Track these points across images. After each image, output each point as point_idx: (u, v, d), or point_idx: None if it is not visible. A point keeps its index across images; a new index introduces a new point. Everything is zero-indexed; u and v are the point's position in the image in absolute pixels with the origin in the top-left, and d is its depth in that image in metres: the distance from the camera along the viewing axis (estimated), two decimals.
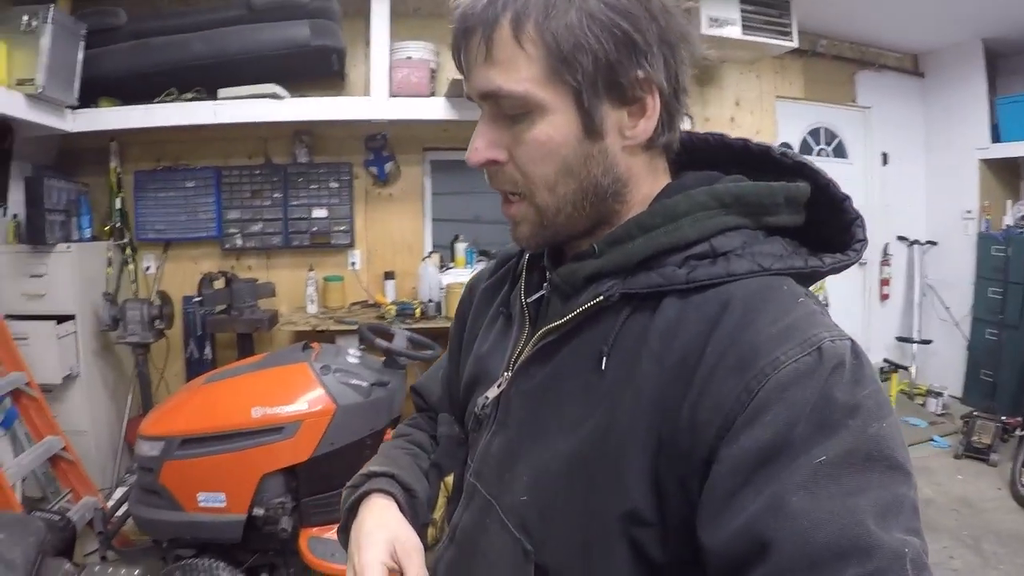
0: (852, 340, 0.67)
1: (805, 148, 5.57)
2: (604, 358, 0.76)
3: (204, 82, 3.82)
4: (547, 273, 0.87)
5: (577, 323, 0.79)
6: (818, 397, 0.61)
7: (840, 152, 5.75)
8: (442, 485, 1.06)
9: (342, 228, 4.48)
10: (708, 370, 0.67)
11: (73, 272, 3.79)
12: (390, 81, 4.00)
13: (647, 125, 0.77)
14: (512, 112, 0.75)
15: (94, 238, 4.19)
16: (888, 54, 5.78)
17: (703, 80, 4.99)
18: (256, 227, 4.40)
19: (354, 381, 2.79)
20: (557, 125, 0.74)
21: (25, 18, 3.26)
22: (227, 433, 2.64)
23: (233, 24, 3.81)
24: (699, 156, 0.87)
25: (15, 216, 3.80)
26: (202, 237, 4.40)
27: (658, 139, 0.79)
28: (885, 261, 5.84)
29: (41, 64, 3.26)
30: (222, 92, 3.80)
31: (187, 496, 2.64)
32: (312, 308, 4.30)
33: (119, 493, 3.20)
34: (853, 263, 0.78)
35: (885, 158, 5.81)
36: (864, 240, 0.78)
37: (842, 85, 5.63)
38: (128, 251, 4.27)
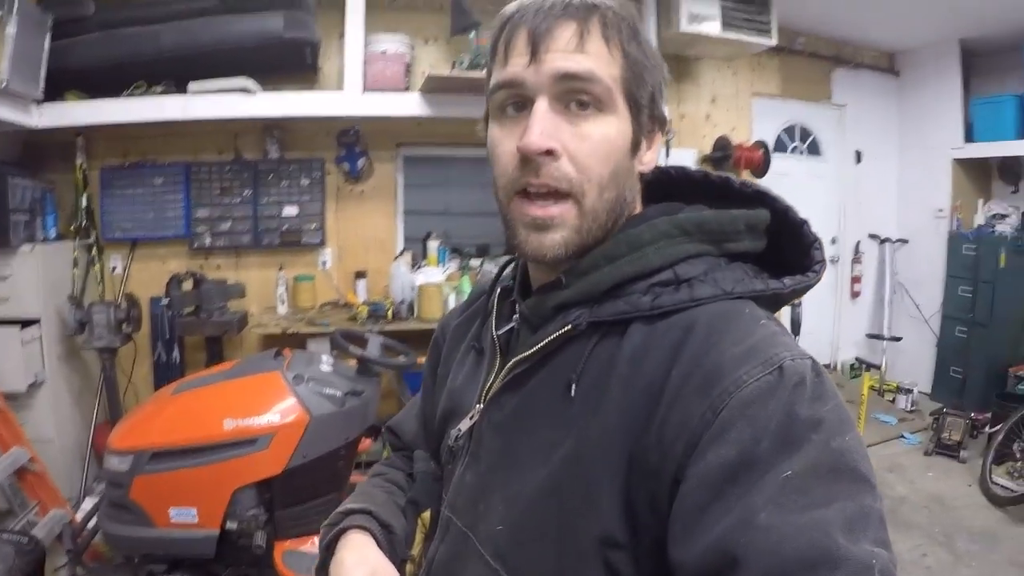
0: (813, 359, 0.69)
1: (780, 145, 5.60)
2: (573, 385, 0.77)
3: (175, 75, 3.70)
4: (517, 306, 0.90)
5: (546, 352, 0.81)
6: (781, 414, 0.63)
7: (814, 150, 5.81)
8: (419, 522, 1.06)
9: (313, 226, 4.38)
10: (674, 392, 0.69)
11: (37, 274, 3.65)
12: (364, 75, 3.91)
13: (653, 157, 0.85)
14: (587, 100, 0.76)
15: (59, 237, 4.03)
16: (864, 52, 5.82)
17: (680, 76, 4.97)
18: (225, 225, 4.28)
19: (328, 390, 2.74)
20: (620, 129, 0.79)
21: None
22: (199, 446, 2.58)
23: (205, 15, 3.68)
24: (662, 189, 0.90)
25: None
26: (170, 236, 4.26)
27: (659, 172, 0.87)
28: (856, 259, 5.92)
29: (5, 57, 3.14)
30: (192, 86, 3.69)
31: (158, 511, 2.58)
32: (282, 309, 4.21)
33: (88, 504, 3.10)
34: (813, 284, 0.80)
35: (859, 156, 5.87)
36: (823, 261, 0.81)
37: (818, 83, 5.67)
38: (94, 251, 4.13)
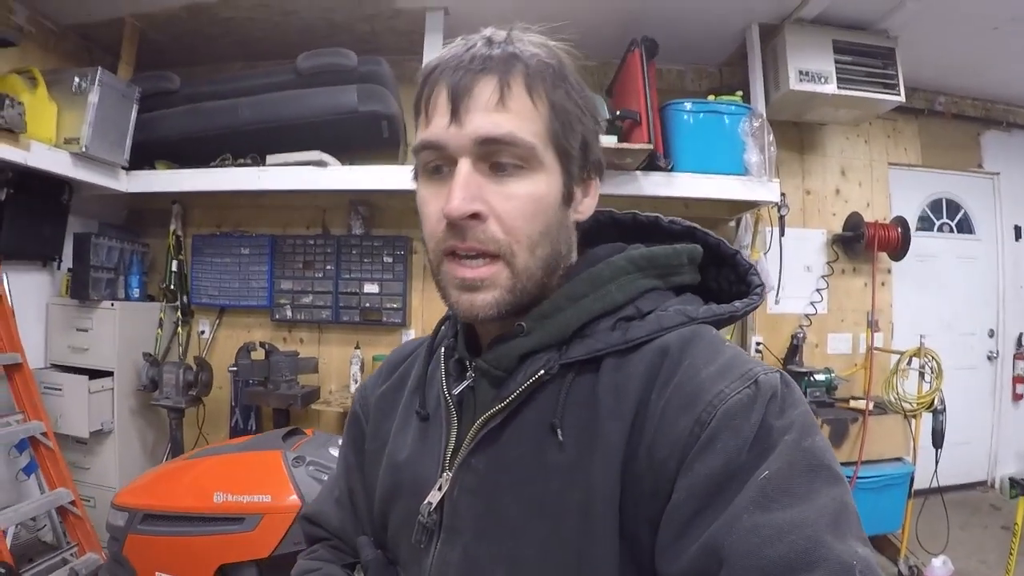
0: (781, 372, 0.72)
1: (925, 223, 4.88)
2: (559, 430, 0.76)
3: (257, 147, 3.78)
4: (468, 363, 0.87)
5: (517, 404, 0.79)
6: (759, 425, 0.66)
7: (965, 227, 5.00)
8: None
9: (394, 305, 4.20)
10: (658, 413, 0.70)
11: (115, 330, 3.84)
12: None
13: (591, 203, 0.86)
14: (510, 162, 0.75)
15: (150, 297, 4.25)
16: (1018, 111, 5.01)
17: (803, 146, 4.50)
18: (306, 299, 4.25)
19: (327, 477, 2.51)
20: (549, 185, 0.78)
21: (76, 80, 3.38)
22: (186, 515, 2.53)
23: (282, 89, 3.75)
24: (593, 235, 0.92)
25: (69, 270, 3.88)
26: (252, 306, 4.32)
27: (588, 220, 0.87)
28: (1020, 355, 4.93)
29: (87, 124, 3.35)
30: (270, 158, 3.75)
31: (147, 573, 2.54)
32: (355, 388, 4.04)
33: None
34: (759, 305, 0.86)
35: (1018, 232, 5.01)
36: (762, 284, 0.87)
37: (965, 149, 4.91)
38: (179, 314, 4.27)
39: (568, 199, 0.81)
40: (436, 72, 0.78)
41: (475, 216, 0.75)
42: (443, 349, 0.95)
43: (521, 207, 0.76)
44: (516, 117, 0.74)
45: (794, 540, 0.57)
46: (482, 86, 0.74)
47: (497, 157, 0.75)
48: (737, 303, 0.84)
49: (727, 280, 0.90)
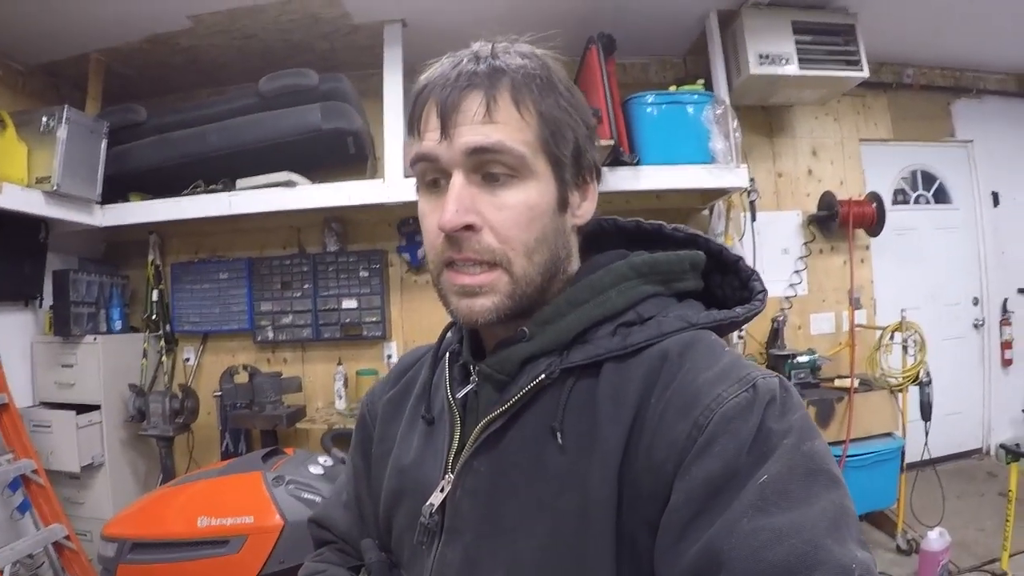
0: (779, 377, 0.73)
1: (902, 196, 4.86)
2: (559, 433, 0.77)
3: (227, 172, 3.80)
4: (471, 367, 0.89)
5: (518, 407, 0.80)
6: (756, 430, 0.66)
7: (942, 197, 4.97)
8: None
9: (374, 319, 4.22)
10: (657, 417, 0.71)
11: (99, 363, 3.86)
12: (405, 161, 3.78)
13: (589, 207, 0.88)
14: (500, 172, 0.77)
15: (132, 329, 4.28)
16: (988, 76, 4.99)
17: (772, 130, 4.50)
18: (287, 319, 4.26)
19: (307, 495, 2.59)
20: (542, 192, 0.79)
21: (44, 119, 3.40)
22: (173, 542, 2.54)
23: (247, 113, 3.77)
24: (597, 241, 0.94)
25: (51, 307, 3.91)
26: (235, 330, 4.34)
27: (588, 223, 0.89)
28: (1005, 320, 4.89)
29: (57, 162, 3.37)
30: (239, 183, 3.77)
31: None
32: (340, 404, 4.09)
33: None
34: (760, 311, 0.86)
35: (996, 198, 4.96)
36: (764, 290, 0.87)
37: (936, 119, 4.89)
38: (162, 343, 4.30)
39: (563, 205, 0.82)
40: (426, 91, 0.80)
41: (469, 227, 0.77)
42: (448, 354, 0.96)
43: (514, 216, 0.78)
44: (504, 128, 0.76)
45: (794, 544, 0.57)
46: (469, 102, 0.76)
47: (489, 167, 0.77)
48: (738, 309, 0.85)
49: (731, 287, 0.91)
